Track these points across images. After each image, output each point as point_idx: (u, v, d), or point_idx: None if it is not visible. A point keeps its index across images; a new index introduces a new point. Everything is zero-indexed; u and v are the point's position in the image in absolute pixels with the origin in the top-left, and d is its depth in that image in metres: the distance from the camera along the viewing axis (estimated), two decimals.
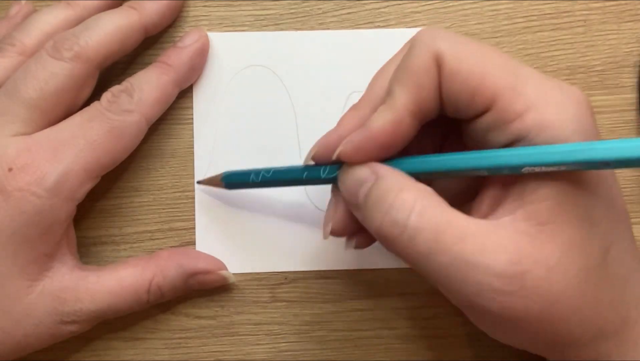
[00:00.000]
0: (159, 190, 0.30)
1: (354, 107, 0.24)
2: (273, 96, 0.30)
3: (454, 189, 0.25)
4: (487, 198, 0.22)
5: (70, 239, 0.27)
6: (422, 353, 0.29)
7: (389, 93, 0.22)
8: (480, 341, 0.29)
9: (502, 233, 0.20)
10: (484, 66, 0.21)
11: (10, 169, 0.24)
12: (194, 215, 0.30)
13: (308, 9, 0.30)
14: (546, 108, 0.20)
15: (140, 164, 0.28)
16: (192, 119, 0.30)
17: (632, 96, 0.30)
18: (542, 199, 0.20)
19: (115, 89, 0.26)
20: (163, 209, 0.30)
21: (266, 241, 0.30)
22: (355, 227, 0.24)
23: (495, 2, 0.30)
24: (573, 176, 0.20)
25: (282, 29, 0.30)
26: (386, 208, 0.21)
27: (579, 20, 0.30)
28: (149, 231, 0.30)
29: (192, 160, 0.30)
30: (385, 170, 0.22)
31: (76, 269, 0.26)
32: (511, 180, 0.21)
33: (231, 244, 0.29)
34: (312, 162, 0.25)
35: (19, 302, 0.25)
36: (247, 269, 0.29)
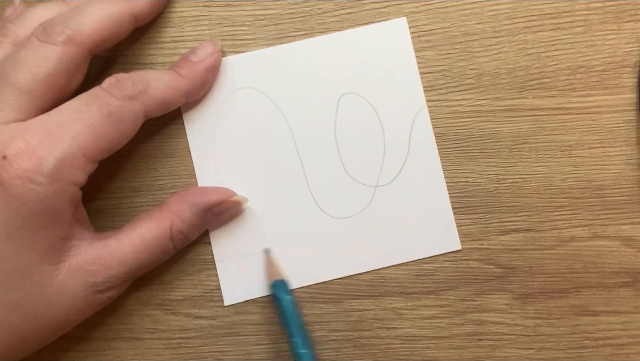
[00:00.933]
0: (159, 190, 0.30)
1: None
2: (264, 115, 0.30)
3: None
4: None
5: (82, 215, 0.27)
6: (422, 353, 0.29)
7: None
8: (480, 341, 0.29)
9: None
10: None
11: (4, 157, 0.24)
12: None
13: (308, 9, 0.30)
14: None
15: (140, 164, 0.28)
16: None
17: (632, 96, 0.30)
18: None
19: (119, 75, 0.26)
20: None
21: (276, 252, 0.30)
22: None
23: (495, 2, 0.30)
24: None
25: (282, 29, 0.30)
26: None
27: (579, 20, 0.30)
28: None
29: (192, 160, 0.30)
30: None
31: (95, 241, 0.26)
32: None
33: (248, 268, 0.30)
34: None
35: (49, 286, 0.25)
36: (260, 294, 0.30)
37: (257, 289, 0.29)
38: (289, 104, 0.30)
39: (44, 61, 0.25)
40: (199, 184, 0.30)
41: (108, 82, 0.26)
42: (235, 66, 0.30)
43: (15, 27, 0.27)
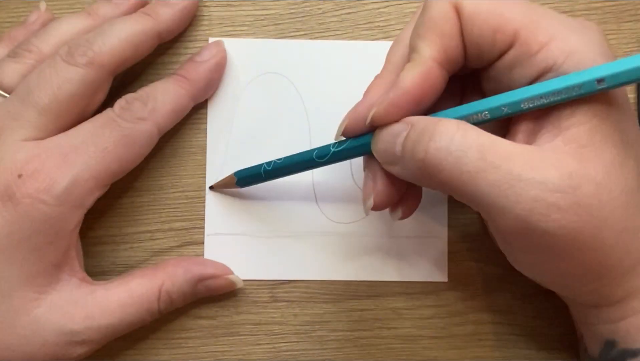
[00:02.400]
0: (159, 190, 0.30)
1: (378, 77, 0.25)
2: (287, 103, 0.30)
3: None
4: (520, 133, 0.22)
5: (78, 251, 0.27)
6: (422, 353, 0.29)
7: (412, 50, 0.23)
8: (480, 341, 0.29)
9: (547, 154, 0.21)
10: (502, 5, 0.22)
11: (20, 175, 0.24)
12: (193, 215, 0.30)
13: (308, 9, 0.30)
14: (569, 36, 0.21)
15: (140, 164, 0.28)
16: (194, 119, 0.30)
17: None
18: (580, 123, 0.21)
19: (129, 96, 0.26)
20: (163, 209, 0.30)
21: (275, 250, 0.30)
22: (396, 197, 0.24)
23: None
24: (604, 98, 0.21)
25: (282, 29, 0.30)
26: (427, 140, 0.21)
27: None
28: (149, 231, 0.30)
29: (192, 160, 0.30)
30: (417, 117, 0.22)
31: (84, 284, 0.26)
32: (543, 112, 0.22)
33: (239, 251, 0.29)
34: (342, 138, 0.25)
35: (25, 316, 0.24)
36: (252, 276, 0.29)
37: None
38: (313, 98, 0.30)
39: (67, 82, 0.25)
40: (209, 161, 0.30)
41: (119, 105, 0.26)
42: (268, 50, 0.30)
43: (40, 42, 0.27)
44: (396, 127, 0.23)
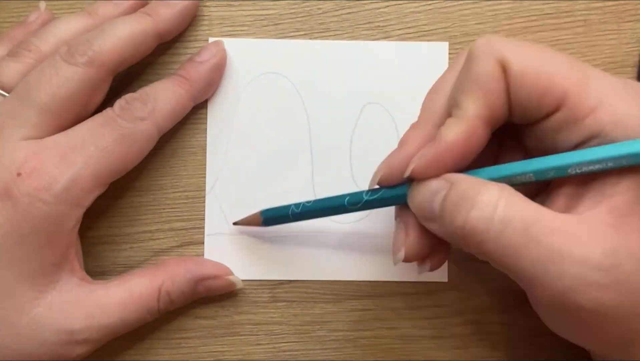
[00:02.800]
0: (159, 190, 0.30)
1: (415, 127, 0.24)
2: (287, 103, 0.30)
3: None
4: (562, 196, 0.22)
5: (77, 250, 0.27)
6: (422, 353, 0.29)
7: (455, 105, 0.22)
8: (481, 341, 0.29)
9: (590, 226, 0.20)
10: (551, 66, 0.21)
11: (19, 174, 0.24)
12: (193, 215, 0.30)
13: (308, 9, 0.30)
14: (618, 103, 0.21)
15: (140, 164, 0.28)
16: (194, 119, 0.30)
17: None
18: (624, 191, 0.20)
19: (129, 96, 0.26)
20: (163, 209, 0.30)
21: (275, 250, 0.30)
22: (428, 250, 0.24)
23: (495, 2, 0.30)
24: None
25: (282, 29, 0.30)
26: (468, 207, 0.21)
27: (579, 20, 0.30)
28: (149, 231, 0.30)
29: (192, 160, 0.30)
30: (458, 176, 0.22)
31: (84, 283, 0.26)
32: (587, 178, 0.21)
33: (239, 251, 0.29)
34: (376, 187, 0.24)
35: (25, 315, 0.24)
36: (252, 276, 0.29)
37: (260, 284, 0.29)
38: (313, 98, 0.30)
39: (66, 82, 0.25)
40: (209, 161, 0.30)
41: (119, 105, 0.26)
42: (269, 50, 0.30)
43: (39, 41, 0.27)
44: (435, 185, 0.22)
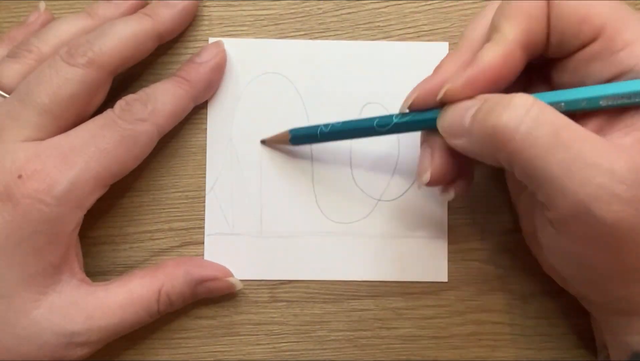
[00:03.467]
0: (159, 190, 0.30)
1: (453, 53, 0.25)
2: (287, 103, 0.30)
3: None
4: (589, 128, 0.22)
5: (77, 252, 0.27)
6: (422, 353, 0.29)
7: (494, 29, 0.22)
8: (480, 341, 0.29)
9: (618, 146, 0.20)
10: None
11: (19, 176, 0.24)
12: (193, 215, 0.30)
13: (308, 9, 0.30)
14: None
15: (140, 164, 0.28)
16: (194, 119, 0.30)
17: None
18: None
19: (129, 97, 0.26)
20: (163, 209, 0.30)
21: (275, 250, 0.30)
22: (452, 174, 0.24)
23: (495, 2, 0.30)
24: None
25: (282, 29, 0.30)
26: (501, 109, 0.21)
27: None
28: (149, 231, 0.30)
29: (192, 160, 0.30)
30: (490, 94, 0.22)
31: (83, 285, 0.26)
32: (616, 111, 0.22)
33: (239, 251, 0.29)
34: (406, 110, 0.24)
35: (24, 317, 0.24)
36: (252, 276, 0.29)
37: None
38: (313, 98, 0.30)
39: (67, 83, 0.25)
40: (209, 161, 0.30)
41: (119, 106, 0.26)
42: (268, 50, 0.30)
43: (39, 42, 0.27)
44: (468, 102, 0.22)
